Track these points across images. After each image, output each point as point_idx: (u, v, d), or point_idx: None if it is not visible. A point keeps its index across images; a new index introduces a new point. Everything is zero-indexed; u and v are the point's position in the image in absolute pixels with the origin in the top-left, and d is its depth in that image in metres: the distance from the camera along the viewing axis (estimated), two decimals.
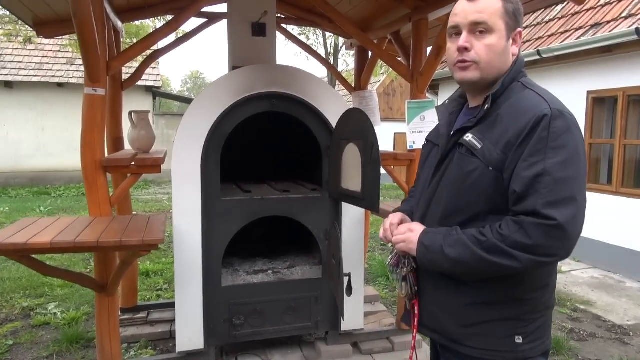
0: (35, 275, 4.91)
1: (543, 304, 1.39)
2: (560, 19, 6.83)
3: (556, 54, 6.02)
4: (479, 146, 1.33)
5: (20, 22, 9.32)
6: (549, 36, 6.63)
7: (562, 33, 6.47)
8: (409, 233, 1.46)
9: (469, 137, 1.37)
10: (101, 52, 2.71)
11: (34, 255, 2.32)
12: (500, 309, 1.37)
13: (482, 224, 1.33)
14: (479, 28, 1.34)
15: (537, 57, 6.30)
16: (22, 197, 11.02)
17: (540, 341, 1.39)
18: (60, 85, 13.28)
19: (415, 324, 1.55)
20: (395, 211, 1.66)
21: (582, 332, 4.02)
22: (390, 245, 1.56)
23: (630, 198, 5.55)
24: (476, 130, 1.37)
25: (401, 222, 1.57)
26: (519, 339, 1.35)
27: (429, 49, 3.48)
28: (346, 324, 3.28)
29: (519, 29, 1.39)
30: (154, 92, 14.75)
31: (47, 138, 13.17)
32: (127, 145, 3.69)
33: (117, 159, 2.82)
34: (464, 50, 1.36)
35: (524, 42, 5.79)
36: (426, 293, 1.52)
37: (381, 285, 5.12)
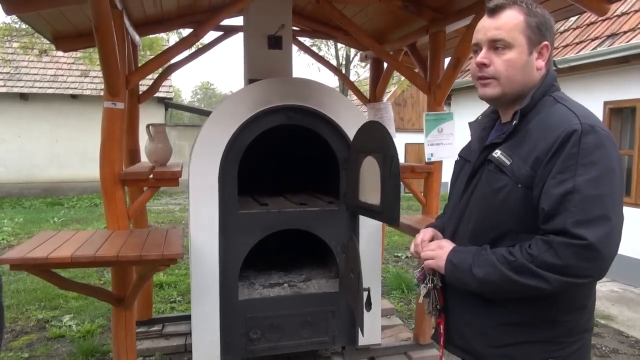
0: (50, 287, 4.92)
1: (581, 327, 1.34)
2: (575, 29, 6.78)
3: (572, 64, 5.97)
4: (508, 163, 1.31)
5: (36, 34, 9.53)
6: (564, 47, 6.59)
7: (577, 43, 6.42)
8: (439, 250, 1.44)
9: (497, 153, 1.35)
10: (121, 66, 2.74)
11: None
12: (533, 331, 1.32)
13: (512, 242, 1.29)
14: (497, 44, 1.33)
15: (553, 68, 6.24)
16: (35, 208, 11.12)
17: None
18: (74, 97, 13.44)
19: (442, 342, 1.52)
20: (427, 226, 1.64)
21: (604, 348, 3.92)
22: (417, 261, 1.54)
23: None
24: (505, 146, 1.34)
25: (432, 239, 1.55)
26: None
27: (447, 60, 3.47)
28: (363, 339, 3.24)
29: (545, 42, 1.35)
30: (166, 103, 14.87)
31: (61, 149, 13.31)
32: (143, 157, 3.70)
33: (135, 172, 2.83)
34: (482, 66, 1.35)
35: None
36: (455, 311, 1.49)
37: (396, 298, 5.05)
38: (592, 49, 5.96)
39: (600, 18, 6.29)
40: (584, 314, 1.35)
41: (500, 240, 1.32)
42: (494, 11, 1.35)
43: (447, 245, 1.43)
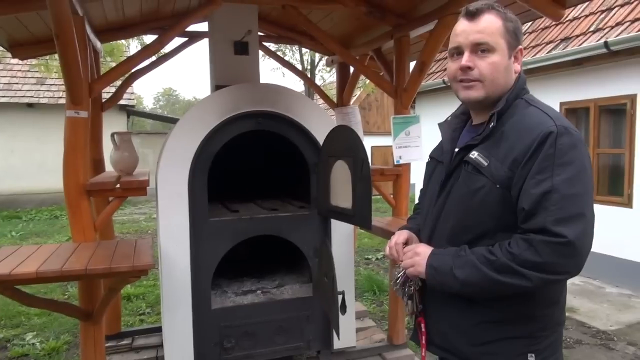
0: (10, 303, 4.71)
1: (554, 321, 1.40)
2: (530, 33, 7.05)
3: (529, 67, 6.19)
4: (485, 164, 1.33)
5: None
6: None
7: (533, 47, 6.67)
8: (416, 257, 1.44)
9: (474, 154, 1.37)
10: (84, 74, 2.66)
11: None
12: (512, 327, 1.36)
13: (491, 241, 1.32)
14: (481, 48, 1.36)
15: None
16: None
17: (552, 358, 1.39)
18: (30, 105, 12.93)
19: (424, 342, 1.54)
20: (401, 229, 1.65)
21: (568, 339, 4.07)
22: (389, 262, 1.56)
23: (604, 205, 5.72)
24: (482, 147, 1.37)
25: (407, 241, 1.57)
26: (531, 357, 1.35)
27: (412, 64, 3.54)
28: (338, 342, 3.25)
29: (520, 47, 1.40)
30: (128, 110, 14.52)
31: (17, 160, 12.76)
32: (108, 167, 3.61)
33: (101, 183, 2.75)
34: (467, 69, 1.37)
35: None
36: (435, 311, 1.52)
37: (368, 300, 5.10)
38: (547, 52, 6.21)
39: (554, 23, 6.56)
40: (557, 308, 1.41)
41: (479, 240, 1.35)
42: (474, 15, 1.37)
43: (424, 250, 1.44)
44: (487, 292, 1.32)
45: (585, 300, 5.12)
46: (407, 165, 3.55)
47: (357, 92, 16.22)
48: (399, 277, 1.55)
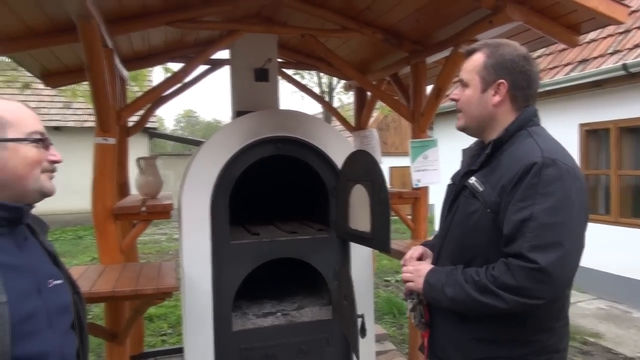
0: None
1: (549, 347, 1.42)
2: (548, 55, 7.06)
3: (547, 89, 6.19)
4: (481, 189, 1.44)
5: (18, 69, 9.54)
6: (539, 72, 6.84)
7: (551, 69, 6.68)
8: (416, 273, 1.56)
9: (472, 180, 1.48)
10: (112, 102, 2.79)
11: None
12: (503, 347, 1.42)
13: (484, 263, 1.40)
14: (461, 84, 1.56)
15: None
16: None
17: None
18: (57, 129, 13.36)
19: (425, 354, 1.64)
20: (422, 244, 1.75)
21: None
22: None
23: (630, 228, 5.61)
24: (480, 173, 1.48)
25: (421, 256, 1.66)
26: None
27: (429, 88, 3.60)
28: None
29: (500, 80, 1.48)
30: (150, 132, 14.87)
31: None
32: (133, 190, 3.72)
33: (127, 207, 2.85)
34: (453, 100, 1.59)
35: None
36: (436, 325, 1.60)
37: (388, 323, 5.07)
38: (566, 74, 6.21)
39: None
40: (552, 335, 1.43)
41: (474, 261, 1.44)
42: (467, 54, 1.56)
43: (425, 267, 1.55)
44: (471, 310, 1.40)
45: (611, 326, 5.00)
46: (426, 188, 3.58)
47: (375, 113, 16.34)
48: (404, 289, 1.66)
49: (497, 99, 1.49)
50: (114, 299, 2.31)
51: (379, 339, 4.17)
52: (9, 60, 9.15)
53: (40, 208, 1.34)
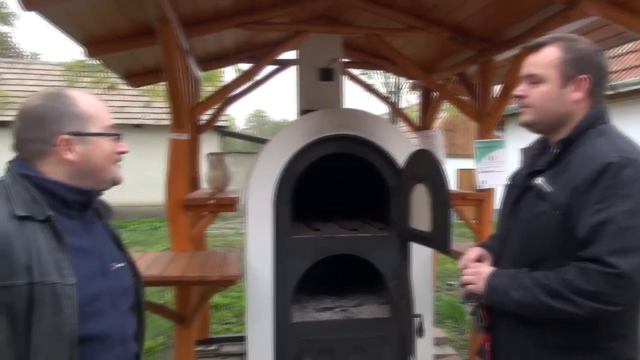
0: None
1: (623, 355, 1.36)
2: (634, 52, 6.58)
3: (632, 88, 5.78)
4: (548, 190, 1.38)
5: (105, 71, 10.35)
6: (624, 70, 6.40)
7: (637, 67, 6.21)
8: (477, 276, 1.52)
9: (539, 180, 1.43)
10: (186, 101, 2.98)
11: None
12: (574, 355, 1.36)
13: (551, 266, 1.35)
14: (532, 79, 1.46)
15: (612, 92, 6.07)
16: None
17: None
18: (137, 126, 14.32)
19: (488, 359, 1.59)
20: (479, 245, 1.72)
21: None
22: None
23: None
24: (547, 174, 1.42)
25: (479, 258, 1.62)
26: None
27: (497, 87, 3.50)
28: None
29: (583, 76, 1.41)
30: (221, 131, 15.51)
31: (124, 175, 14.02)
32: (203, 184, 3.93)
33: (197, 199, 3.03)
34: (519, 97, 1.50)
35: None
36: (500, 330, 1.55)
37: (449, 327, 4.97)
38: None
39: None
40: (626, 342, 1.37)
41: (540, 264, 1.39)
42: (535, 48, 1.48)
43: (486, 270, 1.51)
44: (539, 315, 1.36)
45: None
46: (491, 191, 3.48)
47: (443, 114, 15.97)
48: (463, 292, 1.62)
49: (577, 95, 1.42)
50: (182, 283, 2.47)
51: (439, 342, 4.11)
52: (97, 62, 9.99)
53: (122, 200, 1.49)
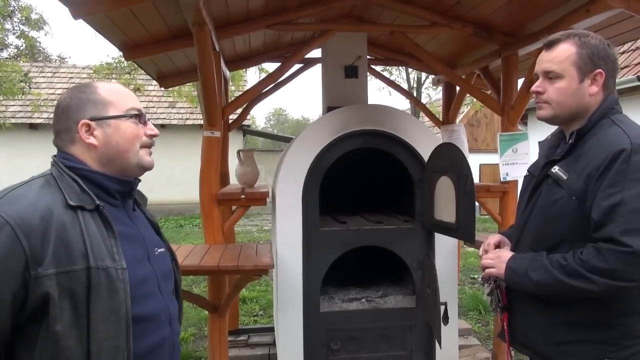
0: None
1: (636, 332, 1.43)
2: (628, 52, 6.49)
3: (625, 86, 5.70)
4: (565, 177, 1.48)
5: (132, 72, 10.64)
6: (637, 64, 6.31)
7: (627, 67, 6.13)
8: (497, 260, 1.62)
9: (555, 169, 1.52)
10: (218, 100, 3.11)
11: None
12: (588, 331, 1.44)
13: (568, 249, 1.44)
14: (549, 75, 1.53)
15: (637, 84, 6.00)
16: None
17: None
18: (163, 126, 14.63)
19: (507, 340, 1.68)
20: (500, 233, 1.82)
21: None
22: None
23: None
24: (563, 163, 1.52)
25: (499, 244, 1.73)
26: None
27: (520, 81, 3.54)
28: (440, 356, 3.30)
29: (598, 70, 1.49)
30: (244, 130, 15.73)
31: (150, 174, 14.02)
32: (232, 180, 4.07)
33: (229, 193, 3.17)
34: (537, 93, 1.57)
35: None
36: (517, 310, 1.65)
37: (473, 319, 5.02)
38: None
39: None
40: (638, 318, 1.44)
41: (557, 248, 1.48)
42: (549, 45, 1.55)
43: (506, 254, 1.61)
44: (558, 294, 1.45)
45: None
46: (514, 183, 3.53)
47: (465, 109, 15.86)
48: (482, 274, 1.72)
49: (594, 89, 1.50)
50: (219, 272, 2.61)
51: (463, 333, 4.17)
52: (125, 64, 10.27)
53: (149, 199, 1.57)
